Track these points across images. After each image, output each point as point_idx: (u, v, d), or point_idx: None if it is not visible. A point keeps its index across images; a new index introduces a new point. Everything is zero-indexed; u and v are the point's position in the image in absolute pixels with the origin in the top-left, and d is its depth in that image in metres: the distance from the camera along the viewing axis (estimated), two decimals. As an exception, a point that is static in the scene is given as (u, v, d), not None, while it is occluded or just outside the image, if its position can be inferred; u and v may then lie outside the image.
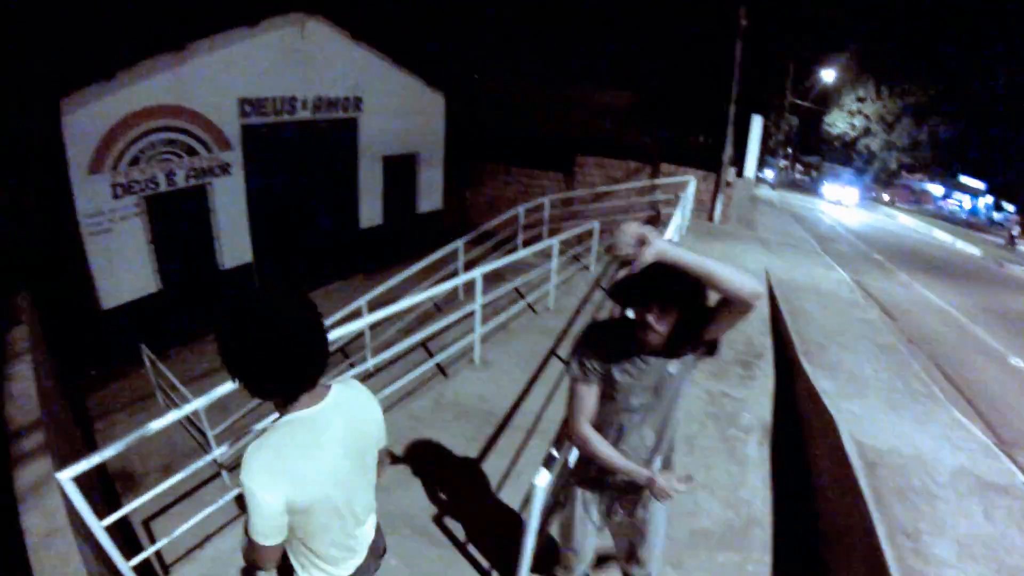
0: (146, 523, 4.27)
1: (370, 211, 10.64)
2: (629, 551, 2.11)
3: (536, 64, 12.60)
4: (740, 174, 10.87)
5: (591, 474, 1.99)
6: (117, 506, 4.58)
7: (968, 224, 26.84)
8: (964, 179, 31.32)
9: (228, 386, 4.62)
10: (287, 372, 1.22)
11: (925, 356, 6.48)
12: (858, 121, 28.29)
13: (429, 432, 3.99)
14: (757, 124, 11.22)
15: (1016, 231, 19.69)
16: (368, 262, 10.34)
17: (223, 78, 7.50)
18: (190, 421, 5.79)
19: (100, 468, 5.07)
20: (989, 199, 31.73)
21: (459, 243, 7.54)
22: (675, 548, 2.85)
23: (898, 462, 3.08)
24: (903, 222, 24.61)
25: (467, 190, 12.48)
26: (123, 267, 6.99)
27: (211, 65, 7.31)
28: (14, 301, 4.70)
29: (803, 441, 4.09)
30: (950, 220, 26.90)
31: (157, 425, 2.55)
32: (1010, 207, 29.65)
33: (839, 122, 28.97)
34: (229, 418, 5.59)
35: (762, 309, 6.16)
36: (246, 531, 1.27)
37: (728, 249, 8.57)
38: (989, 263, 15.67)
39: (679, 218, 7.06)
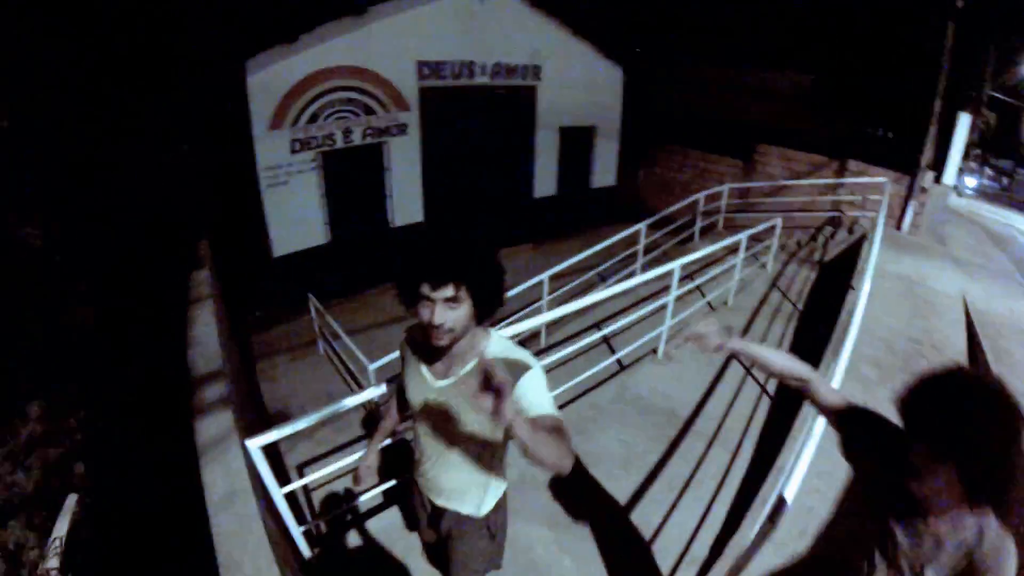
0: (300, 468, 4.45)
1: (544, 181, 10.59)
2: None
3: (714, 40, 11.68)
4: (938, 180, 9.46)
5: None
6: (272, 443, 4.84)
7: None
8: None
9: (397, 353, 4.75)
10: None
11: None
12: (1071, 123, 23.75)
13: (612, 426, 3.89)
14: (964, 124, 9.62)
15: None
16: (538, 232, 10.35)
17: (402, 41, 7.65)
18: (351, 374, 6.04)
19: (260, 407, 5.40)
20: None
21: (641, 226, 7.19)
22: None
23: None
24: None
25: (641, 169, 12.02)
26: (296, 219, 7.46)
27: (390, 28, 7.48)
28: (197, 247, 5.01)
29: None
30: None
31: (351, 401, 2.37)
32: None
33: (1046, 122, 24.47)
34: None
35: (958, 342, 5.37)
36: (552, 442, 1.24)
37: (919, 266, 7.53)
38: None
39: (881, 225, 6.27)
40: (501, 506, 1.75)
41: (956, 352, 5.17)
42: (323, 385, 6.04)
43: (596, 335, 4.65)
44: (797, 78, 11.08)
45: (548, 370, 4.34)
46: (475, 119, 8.99)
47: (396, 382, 1.87)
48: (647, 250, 7.45)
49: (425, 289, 1.26)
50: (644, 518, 3.06)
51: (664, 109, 11.47)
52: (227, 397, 2.71)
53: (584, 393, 4.24)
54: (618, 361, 4.65)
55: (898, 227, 8.95)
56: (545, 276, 5.49)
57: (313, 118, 7.18)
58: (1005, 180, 28.56)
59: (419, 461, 1.70)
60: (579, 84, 10.17)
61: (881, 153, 9.35)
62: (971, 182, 26.83)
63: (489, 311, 1.37)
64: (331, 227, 7.81)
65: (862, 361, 4.25)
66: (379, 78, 7.62)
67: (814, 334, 5.50)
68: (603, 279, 7.40)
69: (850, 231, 8.76)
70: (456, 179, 9.09)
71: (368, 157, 7.91)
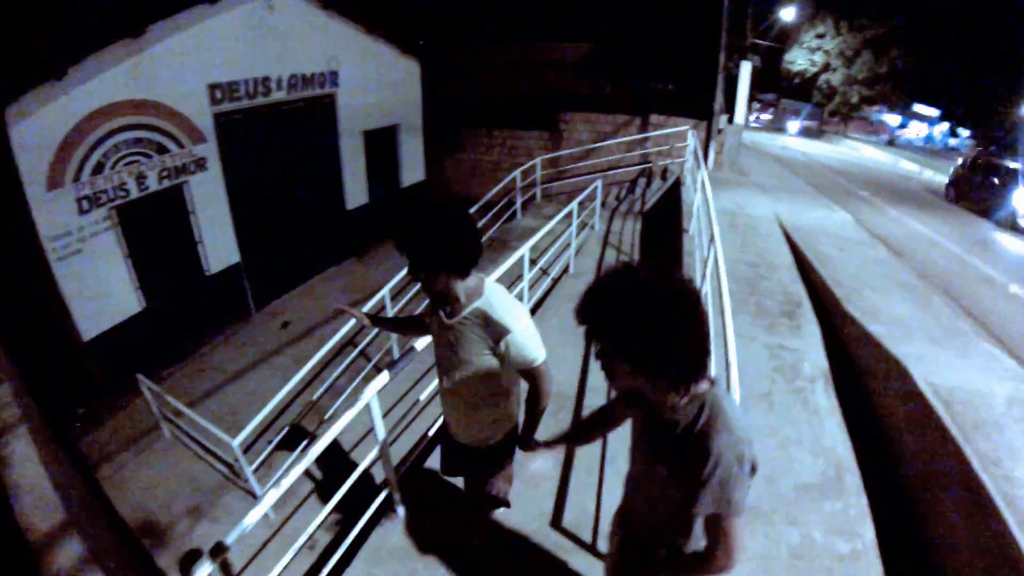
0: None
1: (355, 190, 10.15)
2: None
3: (502, 21, 11.99)
4: (731, 121, 10.71)
5: None
6: (149, 563, 4.11)
7: (925, 151, 27.59)
8: (919, 107, 31.97)
9: (259, 417, 4.28)
10: None
11: (940, 291, 6.51)
12: (818, 57, 28.46)
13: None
14: (746, 70, 11.05)
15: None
16: (358, 244, 10.04)
17: (189, 63, 6.76)
18: (208, 451, 5.39)
19: (120, 527, 4.58)
20: (944, 126, 32.53)
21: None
22: (785, 504, 2.85)
23: (965, 398, 3.24)
24: (868, 154, 25.01)
25: (447, 158, 12.00)
26: (100, 290, 6.31)
27: (174, 50, 6.55)
28: (-13, 351, 4.03)
29: (863, 386, 4.10)
30: (908, 149, 27.52)
31: (251, 519, 1.96)
32: (965, 132, 30.44)
33: (799, 59, 29.11)
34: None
35: (786, 257, 6.11)
36: (532, 369, 1.76)
37: (732, 196, 8.43)
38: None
39: (696, 168, 6.84)
40: (513, 435, 2.02)
41: (787, 265, 5.80)
42: (182, 473, 5.26)
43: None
44: (582, 47, 11.73)
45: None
46: (277, 139, 8.34)
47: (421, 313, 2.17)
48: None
49: None
50: (579, 506, 2.91)
51: (464, 95, 11.63)
52: (87, 556, 2.21)
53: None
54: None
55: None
56: (385, 291, 5.25)
57: (99, 168, 6.07)
58: (771, 109, 33.91)
59: (444, 401, 2.02)
60: (378, 83, 9.92)
61: (678, 105, 10.25)
62: (793, 126, 31.33)
63: (458, 267, 1.59)
64: (143, 291, 6.76)
65: (714, 295, 4.66)
66: (168, 110, 6.67)
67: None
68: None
69: (663, 178, 9.56)
70: (267, 207, 8.42)
71: (169, 203, 6.95)
